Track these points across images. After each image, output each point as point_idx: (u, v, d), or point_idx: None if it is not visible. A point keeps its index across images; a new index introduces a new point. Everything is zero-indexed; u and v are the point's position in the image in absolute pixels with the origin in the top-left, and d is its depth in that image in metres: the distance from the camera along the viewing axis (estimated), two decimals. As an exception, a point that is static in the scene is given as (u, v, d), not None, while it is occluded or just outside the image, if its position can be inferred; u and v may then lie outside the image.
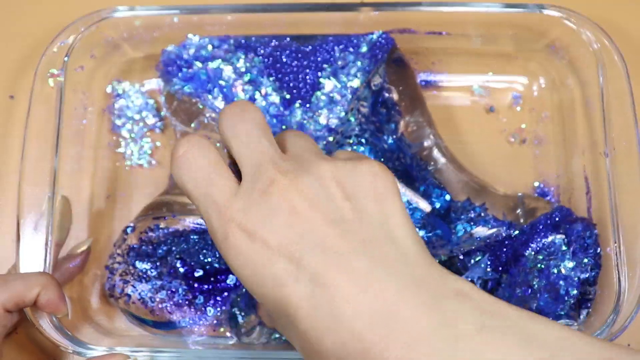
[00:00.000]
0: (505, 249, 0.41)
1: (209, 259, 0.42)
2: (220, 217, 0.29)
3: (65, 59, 0.43)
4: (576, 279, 0.40)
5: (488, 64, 0.49)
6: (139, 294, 0.41)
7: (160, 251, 0.42)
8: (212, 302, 0.42)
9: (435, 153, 0.45)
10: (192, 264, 0.42)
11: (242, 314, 0.41)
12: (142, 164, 0.47)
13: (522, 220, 0.43)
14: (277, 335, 0.41)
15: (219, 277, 0.42)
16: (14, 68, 0.48)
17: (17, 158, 0.42)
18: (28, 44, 0.49)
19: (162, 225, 0.43)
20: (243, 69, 0.44)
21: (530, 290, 0.41)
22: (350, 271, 0.27)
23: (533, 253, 0.41)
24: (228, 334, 0.42)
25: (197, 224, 0.43)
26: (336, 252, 0.27)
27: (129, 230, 0.43)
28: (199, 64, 0.44)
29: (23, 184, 0.41)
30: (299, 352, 0.29)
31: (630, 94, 0.42)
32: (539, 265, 0.41)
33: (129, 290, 0.42)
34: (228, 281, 0.42)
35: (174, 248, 0.42)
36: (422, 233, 0.42)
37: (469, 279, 0.41)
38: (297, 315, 0.27)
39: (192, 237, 0.43)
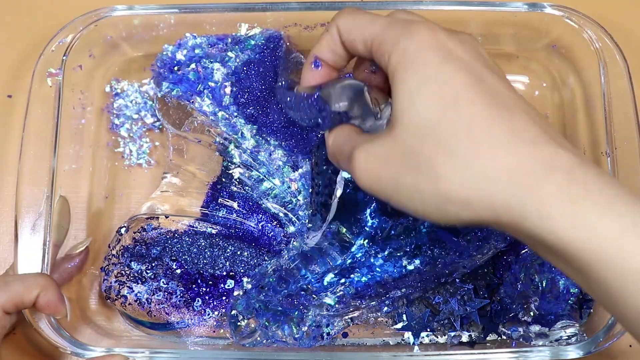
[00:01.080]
0: (505, 246, 0.41)
1: (205, 262, 0.42)
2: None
3: (64, 58, 0.43)
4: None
5: (489, 63, 0.48)
6: (136, 295, 0.41)
7: (154, 251, 0.42)
8: (211, 305, 0.42)
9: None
10: (187, 266, 0.42)
11: (242, 317, 0.40)
12: (140, 164, 0.47)
13: None
14: (276, 338, 0.41)
15: (217, 282, 0.42)
16: (12, 67, 0.48)
17: (15, 157, 0.42)
18: (26, 43, 0.48)
19: (154, 224, 0.43)
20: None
21: (532, 284, 0.41)
22: (504, 96, 0.30)
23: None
24: (227, 335, 0.42)
25: (190, 225, 0.43)
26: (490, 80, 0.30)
27: (122, 230, 0.43)
28: (192, 65, 0.44)
29: (21, 183, 0.40)
30: (433, 171, 0.29)
31: (632, 93, 0.42)
32: (538, 260, 0.41)
33: (125, 291, 0.41)
34: (227, 285, 0.42)
35: (168, 249, 0.42)
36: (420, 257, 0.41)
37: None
38: (461, 99, 0.29)
39: (184, 238, 0.42)
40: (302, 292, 0.40)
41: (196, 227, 0.43)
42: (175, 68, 0.44)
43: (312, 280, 0.40)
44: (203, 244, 0.42)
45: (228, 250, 0.42)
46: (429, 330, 0.42)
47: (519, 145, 0.28)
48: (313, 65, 0.36)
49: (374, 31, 0.33)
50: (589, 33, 0.44)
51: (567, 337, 0.40)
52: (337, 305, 0.40)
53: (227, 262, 0.42)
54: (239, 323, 0.41)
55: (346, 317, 0.41)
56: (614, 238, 0.27)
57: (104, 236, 0.45)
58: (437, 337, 0.42)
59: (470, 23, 0.46)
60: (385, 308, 0.42)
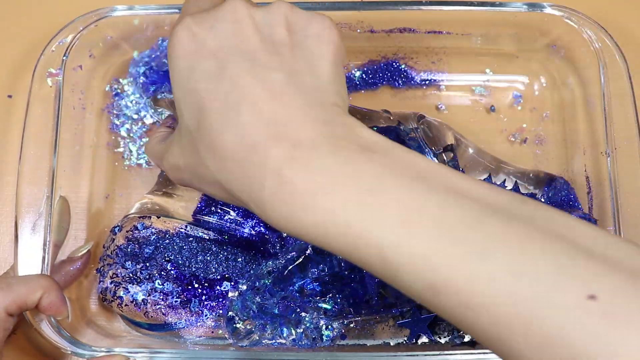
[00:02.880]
0: None
1: (197, 266, 0.42)
2: (178, 21, 0.33)
3: (64, 58, 0.43)
4: None
5: (489, 63, 0.49)
6: (131, 296, 0.41)
7: (147, 251, 0.42)
8: (208, 306, 0.42)
9: (463, 147, 0.45)
10: (180, 269, 0.42)
11: (239, 318, 0.40)
12: (140, 164, 0.47)
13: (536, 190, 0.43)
14: (274, 340, 0.41)
15: (213, 284, 0.42)
16: (13, 67, 0.48)
17: (15, 158, 0.42)
18: (26, 43, 0.48)
19: (146, 223, 0.43)
20: None
21: None
22: (264, 80, 0.30)
23: None
24: (226, 335, 0.42)
25: (182, 228, 0.43)
26: (260, 64, 0.30)
27: (116, 230, 0.43)
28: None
29: (21, 183, 0.40)
30: (198, 150, 0.31)
31: (632, 93, 0.42)
32: None
33: (120, 292, 0.41)
34: (223, 288, 0.42)
35: (160, 249, 0.42)
36: None
37: None
38: (206, 110, 0.30)
39: (176, 240, 0.42)
40: (298, 295, 0.40)
41: (187, 231, 0.43)
42: (154, 64, 0.44)
43: (308, 283, 0.40)
44: (195, 247, 0.42)
45: (221, 255, 0.42)
46: (432, 331, 0.42)
47: (248, 148, 0.29)
48: None
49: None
50: (589, 33, 0.44)
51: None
52: (334, 308, 0.40)
53: (220, 267, 0.42)
54: (235, 325, 0.41)
55: (346, 321, 0.41)
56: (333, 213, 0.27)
57: (104, 236, 0.45)
58: (439, 338, 0.42)
59: (470, 23, 0.46)
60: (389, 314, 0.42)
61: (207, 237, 0.43)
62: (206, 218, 0.44)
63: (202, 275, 0.42)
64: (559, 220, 0.26)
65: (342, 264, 0.40)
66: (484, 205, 0.26)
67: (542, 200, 0.43)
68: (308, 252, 0.40)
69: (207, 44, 0.31)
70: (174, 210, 0.44)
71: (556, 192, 0.43)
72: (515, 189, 0.43)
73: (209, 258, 0.42)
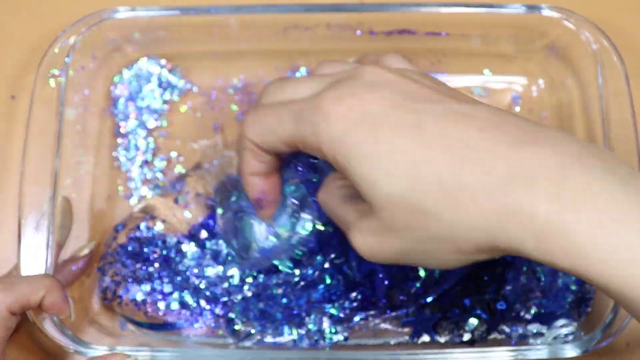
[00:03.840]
0: None
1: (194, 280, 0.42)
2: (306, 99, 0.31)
3: (67, 59, 0.43)
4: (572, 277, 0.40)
5: (487, 65, 0.49)
6: (131, 295, 0.41)
7: (147, 250, 0.42)
8: (208, 307, 0.42)
9: None
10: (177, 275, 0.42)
11: (239, 320, 0.41)
12: (142, 165, 0.47)
13: None
14: (273, 340, 0.41)
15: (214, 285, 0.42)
16: (16, 68, 0.48)
17: (18, 158, 0.42)
18: (29, 45, 0.49)
19: (150, 224, 0.43)
20: None
21: (534, 276, 0.41)
22: (468, 115, 0.28)
23: None
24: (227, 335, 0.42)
25: (183, 236, 0.43)
26: (448, 103, 0.28)
27: (119, 228, 0.43)
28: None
29: (24, 184, 0.41)
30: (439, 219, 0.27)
31: (629, 94, 0.43)
32: None
33: (120, 291, 0.41)
34: (224, 290, 0.42)
35: (160, 251, 0.42)
36: None
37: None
38: (422, 159, 0.27)
39: (173, 256, 0.42)
40: (304, 302, 0.40)
41: (181, 243, 0.43)
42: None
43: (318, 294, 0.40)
44: (191, 263, 0.42)
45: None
46: (435, 331, 0.42)
47: (495, 185, 0.26)
48: (258, 197, 0.36)
49: (287, 131, 0.31)
50: (587, 35, 0.44)
51: (564, 336, 0.40)
52: (340, 314, 0.40)
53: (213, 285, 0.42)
54: (235, 327, 0.41)
55: (351, 324, 0.41)
56: (611, 263, 0.24)
57: (106, 236, 0.45)
58: (439, 337, 0.42)
59: (468, 25, 0.46)
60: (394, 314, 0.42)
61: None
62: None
63: (201, 287, 0.42)
64: None
65: (359, 273, 0.40)
66: None
67: None
68: (326, 265, 0.40)
69: (380, 109, 0.28)
70: (176, 217, 0.44)
71: None
72: None
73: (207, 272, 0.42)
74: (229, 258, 0.42)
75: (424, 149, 0.27)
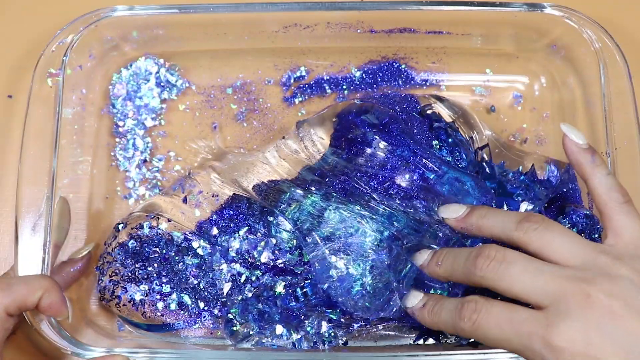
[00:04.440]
0: None
1: (196, 282, 0.42)
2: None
3: (64, 58, 0.43)
4: None
5: (489, 64, 0.49)
6: (129, 296, 0.41)
7: (147, 250, 0.42)
8: (207, 308, 0.41)
9: (492, 145, 0.44)
10: (177, 277, 0.42)
11: (238, 321, 0.40)
12: (140, 165, 0.47)
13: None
14: (272, 341, 0.40)
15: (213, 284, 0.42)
16: (13, 67, 0.48)
17: (15, 158, 0.42)
18: (27, 44, 0.48)
19: (153, 223, 0.42)
20: None
21: None
22: None
23: None
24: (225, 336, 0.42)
25: (186, 235, 0.42)
26: None
27: (120, 227, 0.43)
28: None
29: (21, 184, 0.40)
30: None
31: (632, 93, 0.42)
32: None
33: (118, 291, 0.41)
34: (223, 291, 0.42)
35: (161, 251, 0.42)
36: None
37: None
38: None
39: (173, 255, 0.42)
40: (303, 305, 0.40)
41: (191, 240, 0.42)
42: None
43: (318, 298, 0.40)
44: (193, 262, 0.42)
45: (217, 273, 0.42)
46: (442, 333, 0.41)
47: None
48: None
49: (512, 345, 0.32)
50: (589, 33, 0.44)
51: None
52: (340, 319, 0.40)
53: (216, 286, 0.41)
54: (233, 327, 0.40)
55: (350, 329, 0.41)
56: None
57: (104, 236, 0.45)
58: (445, 339, 0.42)
59: (470, 23, 0.46)
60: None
61: (208, 252, 0.42)
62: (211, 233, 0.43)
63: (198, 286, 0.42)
64: None
65: (370, 285, 0.39)
66: None
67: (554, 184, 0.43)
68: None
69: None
70: (184, 215, 0.44)
71: (564, 181, 0.43)
72: (532, 172, 0.43)
73: (207, 276, 0.42)
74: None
75: None
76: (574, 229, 0.41)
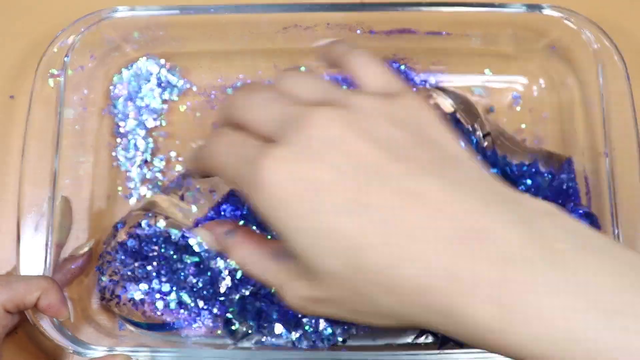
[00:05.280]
0: None
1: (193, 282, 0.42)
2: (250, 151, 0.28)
3: (66, 59, 0.43)
4: None
5: (488, 64, 0.49)
6: (129, 295, 0.41)
7: (146, 249, 0.42)
8: (206, 307, 0.42)
9: (494, 134, 0.44)
10: (174, 277, 0.42)
11: (237, 320, 0.40)
12: (141, 165, 0.47)
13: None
14: (272, 340, 0.41)
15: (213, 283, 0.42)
16: (15, 68, 0.48)
17: (17, 158, 0.42)
18: (28, 44, 0.49)
19: (152, 222, 0.42)
20: None
21: None
22: (416, 194, 0.25)
23: None
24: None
25: (184, 232, 0.42)
26: (398, 177, 0.25)
27: (119, 226, 0.43)
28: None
29: (23, 184, 0.41)
30: (357, 289, 0.26)
31: (630, 94, 0.43)
32: None
33: (118, 291, 0.41)
34: (221, 290, 0.42)
35: (160, 250, 0.42)
36: None
37: None
38: (362, 249, 0.25)
39: (171, 253, 0.42)
40: None
41: (188, 238, 0.42)
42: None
43: None
44: (192, 259, 0.42)
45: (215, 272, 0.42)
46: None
47: (430, 282, 0.24)
48: None
49: (229, 174, 0.29)
50: (588, 34, 0.44)
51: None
52: None
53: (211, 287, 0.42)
54: (232, 327, 0.41)
55: (349, 326, 0.41)
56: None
57: (105, 236, 0.45)
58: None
59: (469, 24, 0.46)
60: None
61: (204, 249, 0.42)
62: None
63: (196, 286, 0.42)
64: None
65: None
66: None
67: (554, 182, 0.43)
68: None
69: (324, 179, 0.26)
70: (182, 212, 0.44)
71: (564, 179, 0.43)
72: (535, 165, 0.43)
73: (205, 276, 0.42)
74: None
75: (365, 237, 0.25)
76: None
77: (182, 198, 0.44)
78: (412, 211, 0.25)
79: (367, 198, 0.25)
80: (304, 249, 0.26)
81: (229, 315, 0.41)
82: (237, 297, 0.41)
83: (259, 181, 0.26)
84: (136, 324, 0.42)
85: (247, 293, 0.41)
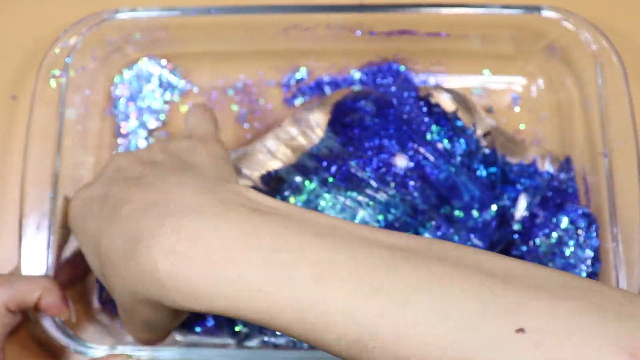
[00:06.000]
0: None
1: None
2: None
3: (67, 60, 0.43)
4: (577, 270, 0.41)
5: (487, 65, 0.49)
6: None
7: None
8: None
9: (494, 133, 0.45)
10: None
11: (239, 320, 0.41)
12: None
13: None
14: (272, 340, 0.41)
15: None
16: (17, 69, 0.49)
17: (19, 158, 0.43)
18: (30, 45, 0.49)
19: None
20: None
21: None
22: (142, 183, 0.31)
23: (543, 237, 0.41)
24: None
25: None
26: (140, 175, 0.32)
27: None
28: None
29: (25, 184, 0.41)
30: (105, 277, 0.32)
31: (628, 94, 0.43)
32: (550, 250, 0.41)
33: None
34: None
35: None
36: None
37: None
38: (97, 235, 0.32)
39: None
40: None
41: None
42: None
43: None
44: None
45: None
46: None
47: (128, 250, 0.29)
48: None
49: None
50: (586, 35, 0.44)
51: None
52: None
53: None
54: (235, 328, 0.41)
55: None
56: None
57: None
58: None
59: (468, 25, 0.46)
60: None
61: None
62: None
63: None
64: (471, 255, 0.25)
65: None
66: (397, 252, 0.25)
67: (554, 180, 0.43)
68: None
69: (94, 194, 0.34)
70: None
71: (561, 180, 0.44)
72: (534, 165, 0.43)
73: None
74: None
75: (100, 228, 0.31)
76: (573, 227, 0.41)
77: None
78: (130, 193, 0.31)
79: (110, 193, 0.32)
80: (84, 250, 0.35)
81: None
82: None
83: (69, 216, 0.38)
84: None
85: None
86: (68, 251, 0.42)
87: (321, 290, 0.24)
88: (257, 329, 0.41)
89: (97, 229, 0.31)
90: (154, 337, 0.36)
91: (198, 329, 0.42)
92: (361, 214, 0.39)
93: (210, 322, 0.42)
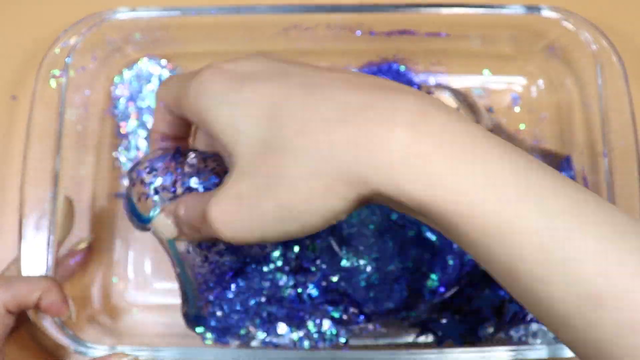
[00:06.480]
0: None
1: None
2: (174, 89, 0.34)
3: (67, 60, 0.43)
4: None
5: (487, 65, 0.49)
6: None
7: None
8: (216, 307, 0.42)
9: (496, 131, 0.45)
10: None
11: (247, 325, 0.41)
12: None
13: None
14: (276, 341, 0.41)
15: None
16: (17, 69, 0.49)
17: (19, 158, 0.43)
18: (30, 45, 0.49)
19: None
20: None
21: None
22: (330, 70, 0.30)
23: None
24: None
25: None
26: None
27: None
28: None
29: (25, 183, 0.41)
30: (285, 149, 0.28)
31: (628, 94, 0.43)
32: None
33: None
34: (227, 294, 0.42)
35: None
36: None
37: None
38: (284, 107, 0.28)
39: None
40: (307, 302, 0.40)
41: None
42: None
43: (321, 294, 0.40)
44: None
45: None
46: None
47: (350, 115, 0.27)
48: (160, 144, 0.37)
49: (175, 90, 0.33)
50: (586, 35, 0.44)
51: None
52: (343, 317, 0.40)
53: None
54: (241, 331, 0.41)
55: (352, 327, 0.41)
56: (467, 194, 0.25)
57: (107, 235, 0.45)
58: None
59: (468, 25, 0.47)
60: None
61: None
62: None
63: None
64: None
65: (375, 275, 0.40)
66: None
67: None
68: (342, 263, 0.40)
69: (254, 68, 0.30)
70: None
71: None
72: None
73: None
74: None
75: (284, 91, 0.28)
76: None
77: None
78: (328, 81, 0.28)
79: (288, 70, 0.30)
80: (227, 124, 0.29)
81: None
82: (252, 302, 0.41)
83: (192, 81, 0.31)
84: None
85: (263, 300, 0.41)
86: (65, 247, 0.42)
87: (574, 228, 0.25)
88: (260, 327, 0.41)
89: (280, 95, 0.28)
90: (276, 236, 0.29)
91: (199, 330, 0.42)
92: (366, 211, 0.39)
93: (211, 322, 0.42)
